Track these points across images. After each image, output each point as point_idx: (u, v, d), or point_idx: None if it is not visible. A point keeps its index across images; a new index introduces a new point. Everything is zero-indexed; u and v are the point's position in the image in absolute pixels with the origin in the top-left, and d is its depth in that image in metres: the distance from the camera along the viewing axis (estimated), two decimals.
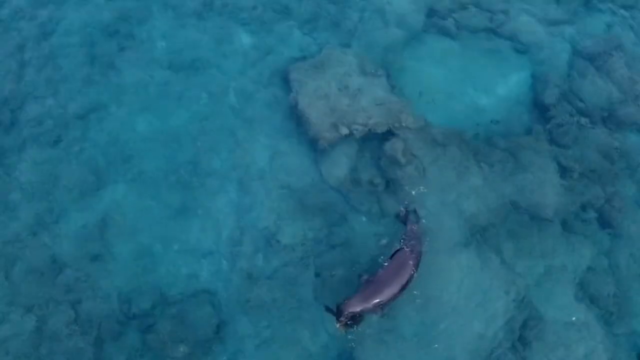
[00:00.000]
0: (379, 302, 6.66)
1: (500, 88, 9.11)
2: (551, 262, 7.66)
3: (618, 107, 8.64)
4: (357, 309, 6.57)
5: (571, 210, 7.96)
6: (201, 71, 9.06)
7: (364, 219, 7.99)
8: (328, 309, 6.71)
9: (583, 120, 8.60)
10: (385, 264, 6.91)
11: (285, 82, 8.94)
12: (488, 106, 8.94)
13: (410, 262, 6.84)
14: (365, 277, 6.85)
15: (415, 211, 7.38)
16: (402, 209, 7.40)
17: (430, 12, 9.83)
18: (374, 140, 8.37)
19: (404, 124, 8.38)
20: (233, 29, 9.45)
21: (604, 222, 7.93)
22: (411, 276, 6.84)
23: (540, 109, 8.82)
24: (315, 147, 8.35)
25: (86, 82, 8.94)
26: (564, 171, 8.18)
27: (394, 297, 6.76)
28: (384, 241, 7.65)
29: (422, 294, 7.38)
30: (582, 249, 7.75)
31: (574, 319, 7.33)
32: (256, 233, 7.86)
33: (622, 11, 9.80)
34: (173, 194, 8.15)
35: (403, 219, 7.37)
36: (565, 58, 9.31)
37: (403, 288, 6.79)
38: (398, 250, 6.98)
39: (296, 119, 8.59)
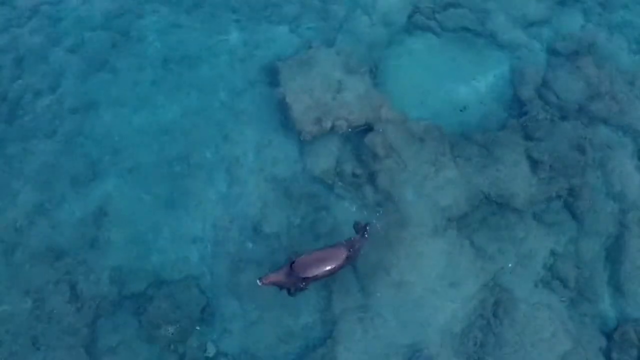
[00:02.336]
0: (293, 281, 7.13)
1: (479, 84, 9.51)
2: (521, 248, 8.06)
3: (589, 102, 9.03)
4: (272, 281, 7.07)
5: (541, 200, 8.36)
6: (192, 67, 9.49)
7: (346, 208, 8.40)
8: None
9: (556, 114, 8.99)
10: (317, 250, 7.30)
11: (273, 78, 9.36)
12: (467, 102, 9.33)
13: (339, 261, 7.17)
14: (293, 258, 7.22)
15: (366, 229, 7.67)
16: (361, 221, 7.75)
17: (414, 11, 10.23)
18: (356, 134, 8.79)
19: (384, 118, 8.81)
20: (223, 27, 9.88)
21: (572, 212, 8.31)
22: (330, 273, 7.21)
23: (515, 104, 9.23)
24: (300, 140, 8.77)
25: (81, 78, 9.40)
26: (535, 164, 8.57)
27: (306, 282, 7.22)
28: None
29: (400, 277, 7.82)
30: (550, 237, 8.14)
31: (542, 300, 7.74)
32: (243, 221, 8.28)
33: (596, 11, 10.19)
34: (165, 184, 8.59)
35: (357, 229, 7.69)
36: (541, 56, 9.72)
37: (316, 278, 7.19)
38: (335, 246, 7.33)
39: (283, 113, 9.02)
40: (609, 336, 7.57)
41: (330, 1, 10.15)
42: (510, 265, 7.93)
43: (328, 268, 7.12)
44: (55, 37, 9.62)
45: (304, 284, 7.22)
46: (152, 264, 8.03)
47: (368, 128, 8.75)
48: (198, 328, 7.62)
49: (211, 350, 7.54)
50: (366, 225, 7.70)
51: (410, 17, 10.18)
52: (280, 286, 7.25)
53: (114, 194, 8.49)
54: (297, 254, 7.31)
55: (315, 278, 7.18)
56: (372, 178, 8.48)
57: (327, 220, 8.30)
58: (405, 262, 7.92)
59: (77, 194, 8.48)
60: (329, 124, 8.69)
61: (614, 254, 8.06)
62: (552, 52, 9.73)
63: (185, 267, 8.02)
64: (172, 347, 7.52)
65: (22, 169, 8.63)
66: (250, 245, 8.16)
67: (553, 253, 8.06)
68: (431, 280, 7.86)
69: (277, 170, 8.65)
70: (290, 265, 7.06)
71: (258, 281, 7.05)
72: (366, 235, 7.63)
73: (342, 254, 7.18)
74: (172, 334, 7.58)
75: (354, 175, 8.51)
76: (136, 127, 8.98)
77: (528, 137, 8.82)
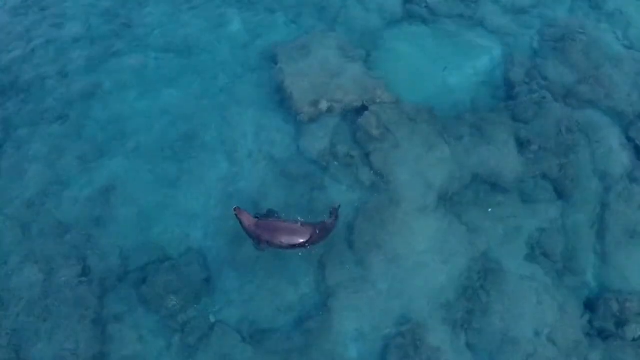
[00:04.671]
0: (253, 232, 7.58)
1: (470, 69, 9.86)
2: (509, 224, 8.40)
3: (576, 85, 9.39)
4: (242, 218, 7.55)
5: (529, 178, 8.69)
6: (194, 54, 9.93)
7: (341, 187, 8.75)
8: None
9: (543, 97, 9.34)
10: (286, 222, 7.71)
11: (272, 63, 9.76)
12: (458, 85, 9.69)
13: (299, 239, 7.56)
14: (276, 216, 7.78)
15: (337, 212, 7.98)
16: (334, 207, 8.05)
17: (407, 0, 10.63)
18: (352, 116, 9.17)
19: (378, 101, 9.18)
20: (224, 15, 10.31)
21: (558, 190, 8.64)
22: (290, 246, 7.61)
23: (505, 88, 9.59)
24: (297, 122, 9.14)
25: (88, 64, 9.84)
26: (523, 144, 8.92)
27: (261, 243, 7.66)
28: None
29: (393, 251, 8.16)
30: (537, 213, 8.47)
31: (528, 273, 8.08)
32: (243, 199, 8.63)
33: None
34: (168, 165, 8.98)
35: (330, 213, 8.00)
36: (530, 41, 10.08)
37: (272, 245, 7.63)
38: (305, 224, 7.66)
39: (281, 96, 9.40)
40: (592, 307, 7.87)
41: None
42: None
43: (283, 241, 7.56)
44: (63, 25, 10.04)
45: (259, 243, 7.65)
46: (155, 239, 8.38)
47: (363, 110, 9.11)
48: (200, 299, 7.97)
49: (213, 320, 7.88)
50: (337, 209, 8.01)
51: (404, 5, 10.57)
52: (243, 227, 7.61)
53: (120, 173, 8.88)
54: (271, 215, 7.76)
55: (271, 244, 7.59)
56: (366, 158, 8.84)
57: (322, 199, 8.64)
58: (397, 237, 8.26)
59: (84, 174, 8.88)
60: (325, 106, 9.07)
61: (597, 229, 8.39)
62: (540, 38, 10.09)
63: (187, 243, 8.37)
64: (175, 317, 7.87)
65: (32, 150, 9.05)
66: None
67: (539, 228, 8.37)
68: (422, 255, 8.18)
69: (275, 150, 9.02)
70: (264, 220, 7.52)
71: (234, 208, 7.54)
72: (335, 219, 7.93)
73: (306, 234, 7.54)
74: (175, 305, 7.93)
75: (349, 155, 8.87)
76: (140, 111, 9.38)
77: (517, 119, 9.18)
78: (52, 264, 8.10)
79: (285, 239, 7.60)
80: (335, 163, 8.90)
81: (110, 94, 9.56)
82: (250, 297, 8.01)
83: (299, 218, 7.92)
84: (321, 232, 7.76)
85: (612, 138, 9.09)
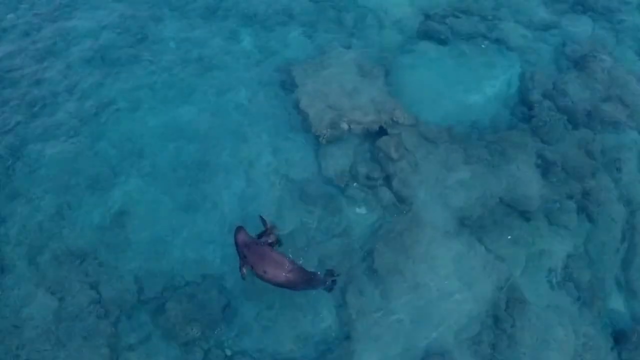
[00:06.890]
0: (244, 250, 7.34)
1: (489, 88, 9.70)
2: (533, 250, 8.21)
3: (599, 105, 9.20)
4: (237, 234, 7.39)
5: (553, 202, 8.51)
6: (209, 71, 9.70)
7: (360, 210, 8.56)
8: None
9: (566, 117, 9.15)
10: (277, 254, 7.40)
11: (288, 81, 9.55)
12: (477, 105, 9.50)
13: (283, 275, 7.22)
14: (271, 235, 7.57)
15: (333, 280, 7.68)
16: (334, 270, 7.75)
17: (425, 18, 10.42)
18: (370, 137, 8.96)
19: (397, 121, 8.98)
20: (239, 32, 10.10)
21: (583, 214, 8.48)
22: (263, 277, 7.30)
23: (526, 108, 9.40)
24: (315, 143, 8.93)
25: (101, 82, 9.59)
26: (546, 166, 8.74)
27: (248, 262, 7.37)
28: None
29: (415, 278, 7.97)
30: (561, 238, 8.31)
31: (554, 301, 7.89)
32: (259, 222, 8.42)
33: (605, 17, 10.35)
34: (183, 186, 8.76)
35: (327, 272, 7.69)
36: (551, 60, 9.90)
37: (254, 266, 7.32)
38: (294, 266, 7.33)
39: (298, 116, 9.19)
40: (619, 337, 7.70)
41: (344, 9, 10.32)
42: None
43: (266, 270, 7.22)
44: (76, 40, 9.80)
45: (243, 265, 7.40)
46: (171, 264, 8.16)
47: (381, 131, 8.91)
48: (218, 327, 7.77)
49: (231, 349, 7.68)
50: (335, 275, 7.71)
51: (421, 23, 10.37)
52: (235, 243, 7.38)
53: (133, 196, 8.65)
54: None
55: (254, 269, 7.31)
56: (386, 180, 8.64)
57: (341, 221, 8.45)
58: (419, 263, 8.08)
59: (97, 197, 8.64)
60: (343, 127, 8.87)
61: (625, 254, 8.21)
62: (561, 56, 9.90)
63: (204, 268, 8.16)
64: (192, 346, 7.66)
65: (42, 171, 8.79)
66: None
67: (565, 254, 8.20)
68: (445, 282, 8.00)
69: (292, 172, 8.82)
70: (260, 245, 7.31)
71: (237, 226, 7.43)
72: (324, 279, 7.60)
73: (291, 275, 7.22)
74: (193, 333, 7.72)
75: (369, 177, 8.68)
76: (154, 130, 9.16)
77: (539, 140, 9.00)
78: (65, 291, 7.86)
79: (269, 270, 7.25)
80: (355, 185, 8.70)
81: (123, 112, 9.33)
82: (270, 326, 7.80)
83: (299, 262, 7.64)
84: (306, 283, 7.40)
85: (637, 159, 8.90)
